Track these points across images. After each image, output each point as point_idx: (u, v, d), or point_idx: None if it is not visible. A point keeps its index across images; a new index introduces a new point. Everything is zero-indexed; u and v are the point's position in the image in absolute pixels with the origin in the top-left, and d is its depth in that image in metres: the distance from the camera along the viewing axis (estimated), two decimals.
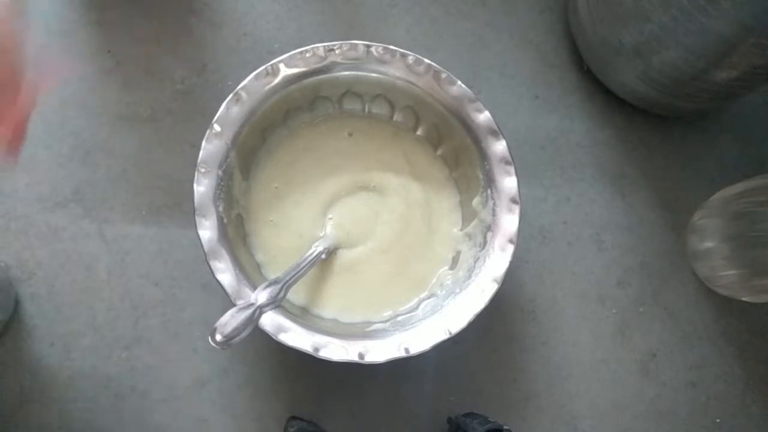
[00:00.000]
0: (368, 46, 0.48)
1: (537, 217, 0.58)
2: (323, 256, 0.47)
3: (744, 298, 0.57)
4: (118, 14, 0.58)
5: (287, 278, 0.41)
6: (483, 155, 0.48)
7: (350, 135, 0.52)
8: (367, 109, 0.52)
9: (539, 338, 0.55)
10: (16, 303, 0.50)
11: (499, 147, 0.48)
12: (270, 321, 0.41)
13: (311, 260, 0.45)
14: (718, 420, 0.55)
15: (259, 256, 0.48)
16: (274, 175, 0.50)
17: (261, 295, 0.37)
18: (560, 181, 0.60)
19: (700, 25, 0.48)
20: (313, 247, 0.47)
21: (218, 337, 0.34)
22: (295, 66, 0.47)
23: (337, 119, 0.52)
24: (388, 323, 0.47)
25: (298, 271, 0.43)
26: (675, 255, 0.59)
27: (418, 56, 0.48)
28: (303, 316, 0.46)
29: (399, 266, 0.50)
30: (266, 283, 0.38)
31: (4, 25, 0.29)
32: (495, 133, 0.48)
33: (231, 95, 0.46)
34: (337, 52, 0.48)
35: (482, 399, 0.53)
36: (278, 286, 0.39)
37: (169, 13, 0.59)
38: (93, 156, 0.55)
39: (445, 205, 0.52)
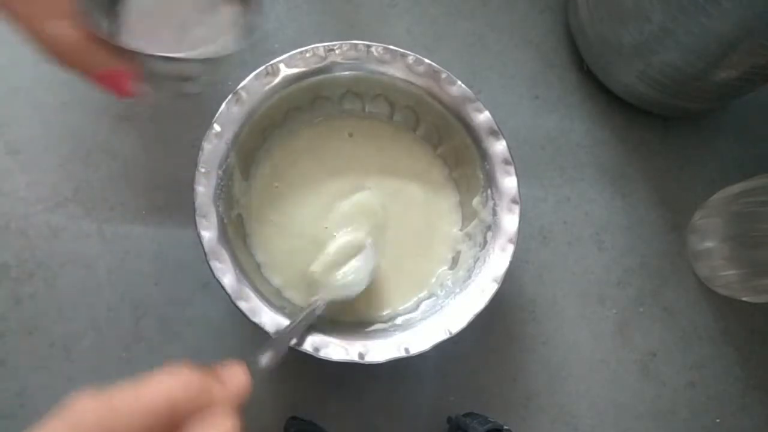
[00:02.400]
0: (368, 46, 0.48)
1: (537, 217, 0.58)
2: (319, 312, 0.42)
3: (744, 298, 0.57)
4: None
5: (286, 337, 0.38)
6: (483, 155, 0.48)
7: (350, 135, 0.52)
8: (367, 109, 0.52)
9: (539, 338, 0.55)
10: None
11: (499, 147, 0.48)
12: (270, 321, 0.41)
13: (309, 316, 0.41)
14: (718, 420, 0.55)
15: (259, 256, 0.48)
16: (274, 175, 0.50)
17: (262, 359, 0.35)
18: (560, 181, 0.60)
19: (700, 25, 0.48)
20: (311, 300, 0.44)
21: None
22: (295, 66, 0.47)
23: (337, 119, 0.52)
24: (388, 323, 0.47)
25: (296, 327, 0.40)
26: (675, 255, 0.59)
27: (418, 56, 0.48)
28: None
29: (399, 266, 0.50)
30: (265, 346, 0.36)
31: None
32: (495, 133, 0.48)
33: (231, 95, 0.46)
34: (337, 52, 0.48)
35: (482, 399, 0.53)
36: (273, 350, 0.37)
37: None
38: (93, 156, 0.55)
39: (444, 205, 0.52)
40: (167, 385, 0.22)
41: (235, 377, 0.26)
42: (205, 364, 0.25)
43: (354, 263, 0.46)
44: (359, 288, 0.45)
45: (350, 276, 0.45)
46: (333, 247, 0.46)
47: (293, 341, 0.40)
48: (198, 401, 0.23)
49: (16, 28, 0.31)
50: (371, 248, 0.46)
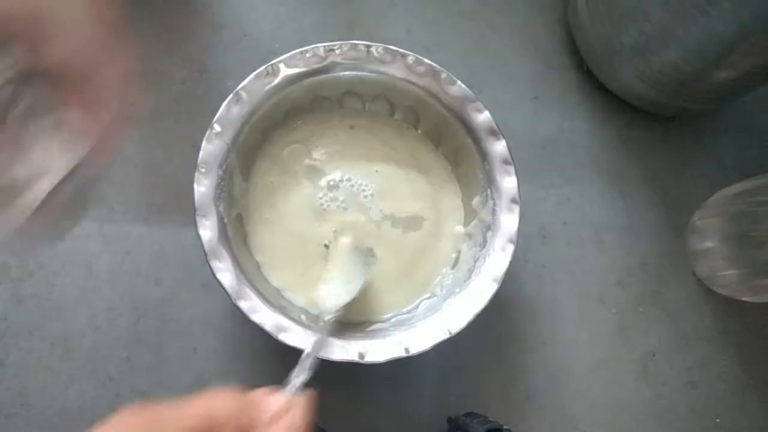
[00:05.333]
0: (368, 46, 0.48)
1: (537, 217, 0.58)
2: (340, 315, 0.42)
3: (744, 298, 0.57)
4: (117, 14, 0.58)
5: (312, 358, 0.39)
6: (483, 155, 0.48)
7: (351, 128, 0.52)
8: (367, 109, 0.52)
9: (539, 338, 0.55)
10: None
11: (499, 147, 0.48)
12: (270, 321, 0.41)
13: (326, 333, 0.41)
14: (718, 420, 0.55)
15: (259, 256, 0.48)
16: (271, 171, 0.50)
17: (297, 381, 0.36)
18: (560, 181, 0.60)
19: (700, 25, 0.48)
20: (321, 321, 0.43)
21: None
22: (296, 66, 0.47)
23: (337, 116, 0.52)
24: (388, 323, 0.47)
25: (321, 341, 0.40)
26: (675, 255, 0.59)
27: (418, 56, 0.48)
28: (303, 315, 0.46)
29: (406, 267, 0.49)
30: (297, 371, 0.37)
31: None
32: (495, 133, 0.48)
33: (231, 95, 0.46)
34: (337, 52, 0.48)
35: (482, 399, 0.53)
36: (307, 368, 0.38)
37: (169, 13, 0.59)
38: None
39: (449, 202, 0.52)
40: (209, 405, 0.23)
41: (272, 404, 0.27)
42: (245, 388, 0.26)
43: (336, 274, 0.46)
44: (343, 301, 0.43)
45: (331, 295, 0.44)
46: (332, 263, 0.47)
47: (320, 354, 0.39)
48: (238, 425, 0.24)
49: None
50: (360, 262, 0.47)
